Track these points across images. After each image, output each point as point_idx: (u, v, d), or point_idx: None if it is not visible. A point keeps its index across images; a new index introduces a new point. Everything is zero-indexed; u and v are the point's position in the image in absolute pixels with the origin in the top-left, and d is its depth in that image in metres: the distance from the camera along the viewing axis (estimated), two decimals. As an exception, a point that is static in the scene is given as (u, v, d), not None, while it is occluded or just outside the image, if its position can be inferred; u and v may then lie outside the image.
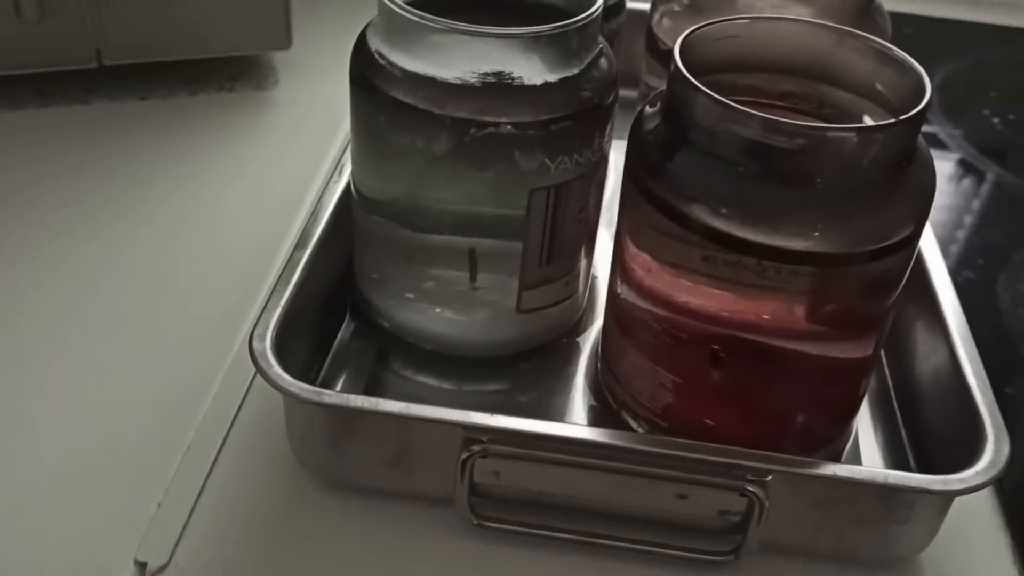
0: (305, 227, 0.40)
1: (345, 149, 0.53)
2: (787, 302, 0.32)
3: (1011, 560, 0.36)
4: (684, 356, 0.34)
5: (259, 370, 0.33)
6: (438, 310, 0.40)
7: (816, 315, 0.32)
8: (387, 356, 0.41)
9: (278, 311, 0.35)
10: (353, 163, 0.40)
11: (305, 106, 0.59)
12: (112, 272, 0.46)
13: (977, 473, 0.31)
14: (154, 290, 0.45)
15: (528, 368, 0.41)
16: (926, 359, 0.38)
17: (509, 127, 0.34)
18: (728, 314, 0.33)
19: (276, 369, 0.33)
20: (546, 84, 0.35)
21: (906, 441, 0.39)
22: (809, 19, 0.35)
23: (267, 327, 0.35)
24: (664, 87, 0.33)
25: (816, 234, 0.30)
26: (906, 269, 0.33)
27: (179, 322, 0.43)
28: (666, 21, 0.44)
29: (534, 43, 0.34)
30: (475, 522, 0.34)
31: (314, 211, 0.41)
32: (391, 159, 0.37)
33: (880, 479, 0.31)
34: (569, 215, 0.38)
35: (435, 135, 0.35)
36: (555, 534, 0.34)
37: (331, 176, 0.51)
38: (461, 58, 0.34)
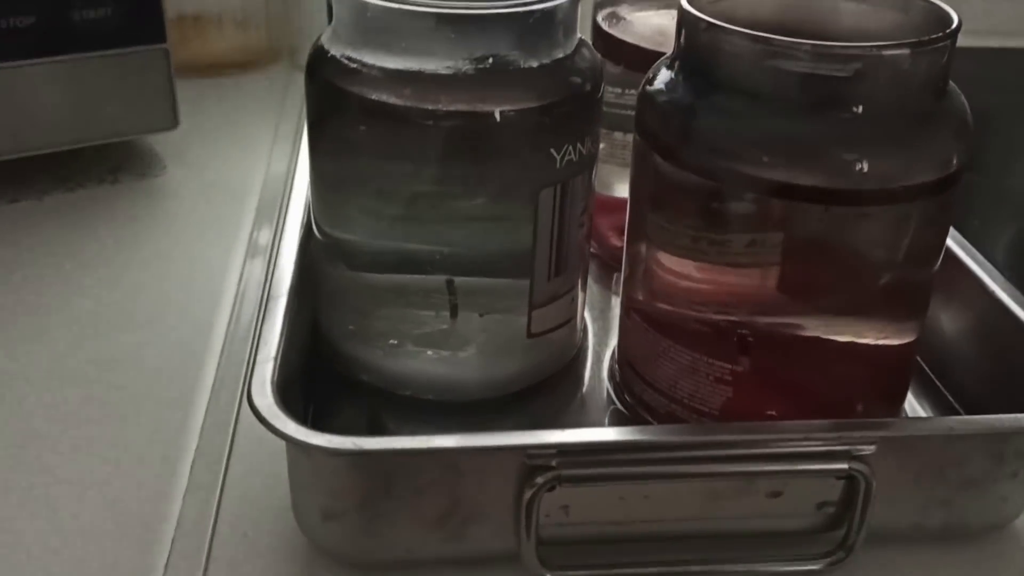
0: (270, 284, 0.34)
1: (256, 224, 0.48)
2: (846, 264, 0.30)
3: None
4: (739, 343, 0.31)
5: (271, 428, 0.27)
6: (430, 353, 0.35)
7: (875, 277, 0.30)
8: (379, 416, 0.36)
9: (270, 364, 0.30)
10: (320, 210, 0.35)
11: (200, 189, 0.53)
12: (26, 386, 0.38)
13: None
14: (83, 406, 0.37)
15: (542, 403, 0.36)
16: (959, 316, 0.36)
17: (513, 114, 0.31)
18: (779, 290, 0.30)
19: (293, 424, 0.27)
20: (542, 67, 0.32)
21: (956, 406, 0.36)
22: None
23: (264, 381, 0.29)
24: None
25: (871, 167, 0.28)
26: (954, 208, 0.31)
27: (114, 440, 0.36)
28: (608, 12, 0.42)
29: (525, 23, 0.31)
30: (549, 574, 0.29)
31: (272, 270, 0.36)
32: (373, 181, 0.32)
33: (1000, 425, 0.29)
34: (573, 218, 0.34)
35: (429, 135, 0.31)
36: (639, 570, 0.30)
37: (247, 253, 0.47)
38: (450, 46, 0.30)
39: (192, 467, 0.34)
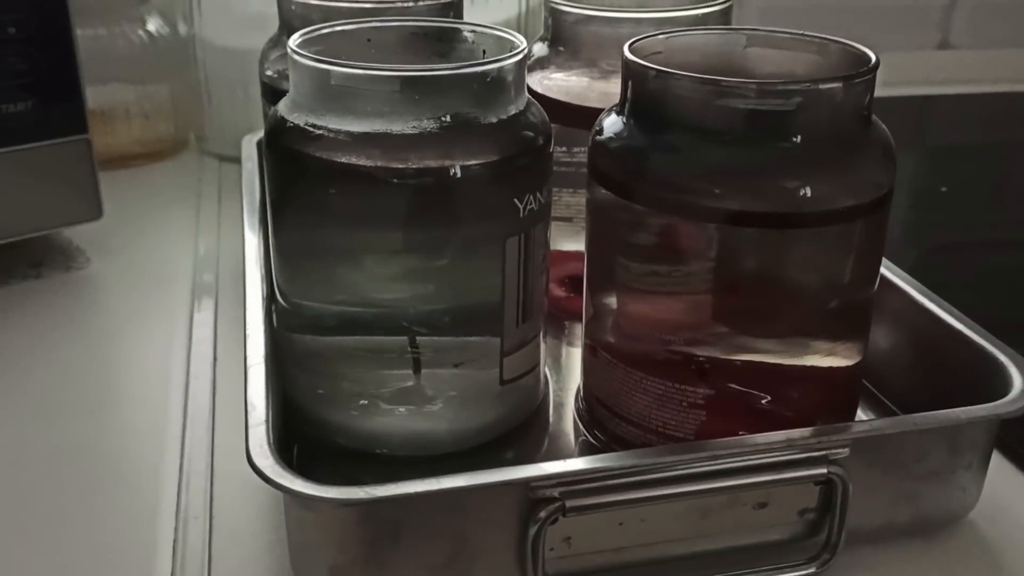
0: (245, 354, 0.34)
1: (194, 307, 0.48)
2: (798, 287, 0.32)
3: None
4: (697, 371, 0.33)
5: (279, 487, 0.27)
6: (403, 409, 0.36)
7: (824, 299, 0.33)
8: (358, 477, 0.36)
9: (263, 427, 0.30)
10: (285, 280, 0.36)
11: (129, 277, 0.52)
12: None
13: (1023, 392, 0.32)
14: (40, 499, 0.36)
15: (515, 451, 0.37)
16: (893, 328, 0.39)
17: (478, 167, 0.32)
18: (734, 317, 0.32)
19: (300, 480, 0.27)
20: (500, 122, 0.33)
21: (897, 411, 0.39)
22: (720, 26, 0.37)
23: (262, 442, 0.29)
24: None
25: (814, 190, 0.30)
26: (887, 228, 0.34)
27: (82, 531, 0.35)
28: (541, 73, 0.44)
29: (483, 81, 0.33)
30: (554, 607, 0.30)
31: (244, 340, 0.35)
32: (343, 245, 0.33)
33: (956, 418, 0.31)
34: (536, 265, 0.36)
35: (400, 194, 0.32)
36: (640, 593, 0.30)
37: (190, 336, 0.46)
38: (414, 106, 0.32)
39: (174, 553, 0.33)
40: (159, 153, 0.67)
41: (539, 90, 0.43)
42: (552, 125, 0.42)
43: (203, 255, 0.54)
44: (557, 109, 0.42)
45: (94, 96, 0.64)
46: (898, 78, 0.86)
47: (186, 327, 0.47)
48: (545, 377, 0.40)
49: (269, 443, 0.29)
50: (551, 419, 0.39)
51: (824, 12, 0.88)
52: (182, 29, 0.67)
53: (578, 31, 0.42)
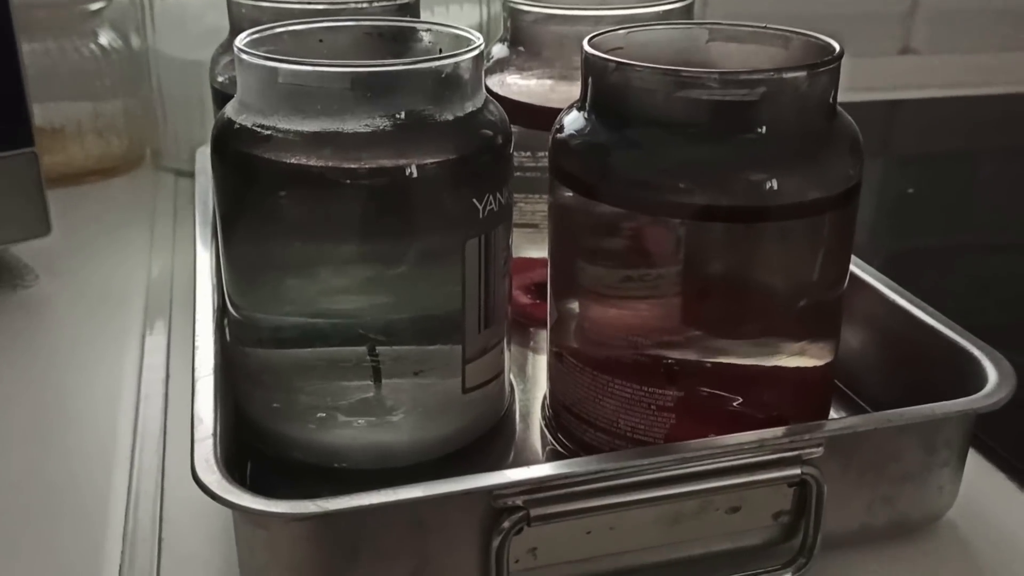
0: (193, 367, 0.33)
1: (146, 327, 0.46)
2: (767, 286, 0.31)
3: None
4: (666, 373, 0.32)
5: (224, 502, 0.26)
6: (362, 421, 0.34)
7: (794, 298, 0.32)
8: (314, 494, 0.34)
9: (210, 441, 0.28)
10: (237, 292, 0.34)
11: (79, 297, 0.50)
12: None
13: (998, 386, 0.31)
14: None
15: (480, 462, 0.36)
16: (865, 327, 0.38)
17: (434, 166, 0.31)
18: (702, 319, 0.31)
19: (248, 495, 0.26)
20: (456, 120, 0.32)
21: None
22: (681, 21, 0.36)
23: (208, 457, 0.27)
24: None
25: (781, 183, 0.30)
26: (854, 223, 0.33)
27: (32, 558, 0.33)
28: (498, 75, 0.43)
29: (438, 77, 0.32)
30: (522, 624, 0.28)
31: (193, 354, 0.34)
32: (296, 253, 0.32)
33: (931, 414, 0.30)
34: (498, 268, 0.34)
35: (353, 195, 0.31)
36: (610, 605, 0.29)
37: (142, 356, 0.44)
38: (366, 104, 0.31)
39: (121, 569, 0.32)
40: (113, 169, 0.66)
41: (499, 92, 0.42)
42: (514, 128, 0.42)
43: (157, 273, 0.52)
44: (518, 110, 0.41)
45: (44, 113, 0.63)
46: (861, 84, 0.87)
47: (138, 346, 0.45)
48: (510, 385, 0.39)
49: (216, 457, 0.27)
50: (517, 428, 0.38)
51: (786, 19, 0.88)
52: (135, 43, 0.66)
53: (537, 31, 0.41)
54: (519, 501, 0.27)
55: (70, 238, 0.55)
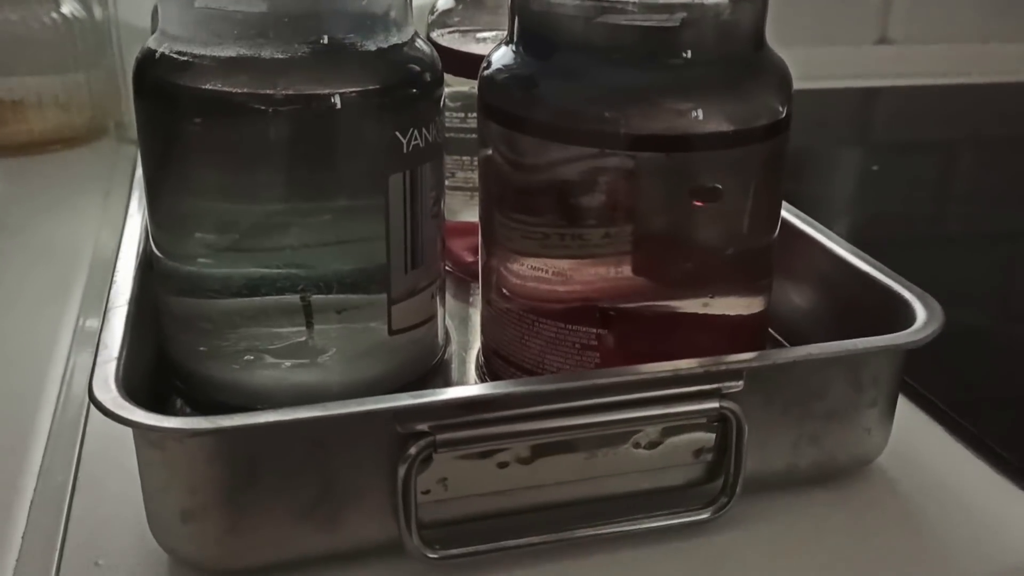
0: (107, 298, 0.32)
1: (88, 285, 0.46)
2: (695, 229, 0.31)
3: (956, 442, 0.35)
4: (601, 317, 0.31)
5: (117, 419, 0.25)
6: (289, 363, 0.34)
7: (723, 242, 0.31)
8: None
9: (113, 363, 0.27)
10: (160, 238, 0.33)
11: (24, 250, 0.50)
12: None
13: (925, 324, 0.31)
14: None
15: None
16: (799, 273, 0.38)
17: (353, 95, 0.31)
18: (632, 266, 0.31)
19: (141, 411, 0.25)
20: (380, 51, 0.32)
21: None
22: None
23: (107, 378, 0.27)
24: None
25: (706, 111, 0.29)
26: (784, 163, 0.32)
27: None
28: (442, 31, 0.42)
29: (358, 4, 0.31)
30: (435, 556, 0.27)
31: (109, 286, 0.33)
32: (214, 188, 0.31)
33: (854, 348, 0.29)
34: (425, 208, 0.34)
35: (269, 123, 0.30)
36: (526, 541, 0.28)
37: (80, 313, 0.44)
38: (284, 30, 0.30)
39: (32, 503, 0.31)
40: (74, 140, 0.65)
41: (442, 43, 0.42)
42: (456, 81, 0.41)
43: (106, 234, 0.52)
44: (461, 61, 0.41)
45: (3, 84, 0.63)
46: (838, 72, 0.86)
47: (79, 298, 0.45)
48: (447, 335, 0.38)
49: (117, 379, 0.27)
50: (453, 377, 0.37)
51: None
52: (98, 12, 0.65)
53: (480, -21, 0.41)
54: (425, 427, 0.27)
55: (23, 201, 0.55)
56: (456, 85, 0.41)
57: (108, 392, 0.26)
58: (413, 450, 0.27)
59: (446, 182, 0.36)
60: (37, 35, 0.63)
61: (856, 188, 0.66)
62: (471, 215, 0.43)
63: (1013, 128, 0.79)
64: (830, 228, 0.39)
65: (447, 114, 0.40)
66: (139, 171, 0.45)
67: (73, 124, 0.65)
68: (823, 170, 0.67)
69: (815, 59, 0.80)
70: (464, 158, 0.45)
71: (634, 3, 0.29)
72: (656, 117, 0.29)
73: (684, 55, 0.29)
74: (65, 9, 0.64)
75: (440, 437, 0.27)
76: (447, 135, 0.35)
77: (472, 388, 0.27)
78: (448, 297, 0.39)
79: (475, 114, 0.42)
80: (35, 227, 0.53)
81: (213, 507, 0.26)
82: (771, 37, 0.32)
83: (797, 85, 0.32)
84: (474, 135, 0.42)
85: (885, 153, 0.74)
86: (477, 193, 0.44)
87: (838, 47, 0.89)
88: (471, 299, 0.43)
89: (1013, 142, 0.76)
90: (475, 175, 0.44)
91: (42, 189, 0.58)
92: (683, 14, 0.29)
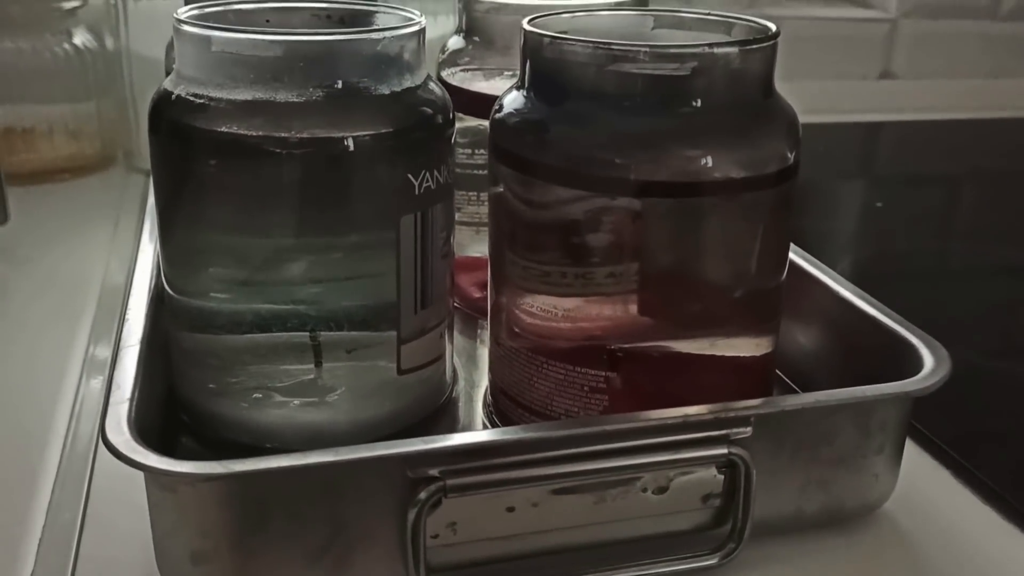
0: (119, 338, 0.32)
1: (97, 316, 0.46)
2: (703, 271, 0.31)
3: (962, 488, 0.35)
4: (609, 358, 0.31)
5: (130, 463, 0.25)
6: (297, 402, 0.34)
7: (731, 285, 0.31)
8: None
9: (125, 405, 0.28)
10: (172, 275, 0.34)
11: (33, 284, 0.50)
12: None
13: (933, 371, 0.31)
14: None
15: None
16: (806, 316, 0.38)
17: (367, 139, 0.31)
18: (640, 307, 0.31)
19: (154, 456, 0.25)
20: (393, 94, 0.32)
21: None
22: (624, 5, 0.36)
23: (120, 420, 0.27)
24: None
25: (715, 158, 0.29)
26: (792, 208, 0.33)
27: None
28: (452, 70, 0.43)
29: (372, 49, 0.31)
30: (440, 598, 0.27)
31: (120, 327, 0.34)
32: (228, 229, 0.32)
33: (863, 395, 0.30)
34: (436, 248, 0.34)
35: (283, 166, 0.30)
36: (533, 585, 0.29)
37: (90, 341, 0.44)
38: (299, 74, 0.30)
39: (41, 541, 0.31)
40: (84, 168, 0.66)
41: (452, 83, 0.42)
42: (471, 121, 0.41)
43: (115, 264, 0.52)
44: (472, 101, 0.41)
45: (16, 112, 0.63)
46: (842, 106, 0.87)
47: (88, 330, 0.45)
48: (455, 373, 0.39)
49: (129, 421, 0.27)
50: (460, 416, 0.38)
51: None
52: (110, 43, 0.66)
53: (490, 21, 0.41)
54: (435, 472, 0.27)
55: (32, 230, 0.55)
56: (465, 121, 0.41)
57: (120, 435, 0.26)
58: (423, 495, 0.27)
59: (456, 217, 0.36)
60: (49, 65, 0.64)
61: (859, 223, 0.67)
62: (478, 250, 0.44)
63: (1017, 163, 0.79)
64: (834, 263, 0.40)
65: (456, 151, 0.41)
66: (151, 202, 0.46)
67: (83, 153, 0.66)
68: (827, 204, 0.68)
69: (819, 93, 0.81)
70: (471, 193, 0.45)
71: (645, 52, 0.29)
72: (666, 164, 0.30)
73: (694, 103, 0.29)
74: (77, 39, 0.64)
75: (450, 482, 0.27)
76: (457, 171, 0.36)
77: (482, 434, 0.28)
78: (455, 333, 0.40)
79: (483, 150, 0.42)
80: (44, 255, 0.53)
81: (223, 550, 0.26)
82: (775, 71, 0.32)
83: (800, 119, 0.32)
84: (482, 171, 0.43)
85: (888, 187, 0.75)
86: (484, 228, 0.44)
87: (842, 81, 0.90)
88: (478, 335, 0.43)
89: (1017, 177, 0.76)
90: (482, 210, 0.44)
91: (51, 217, 0.58)
92: (694, 63, 0.29)
